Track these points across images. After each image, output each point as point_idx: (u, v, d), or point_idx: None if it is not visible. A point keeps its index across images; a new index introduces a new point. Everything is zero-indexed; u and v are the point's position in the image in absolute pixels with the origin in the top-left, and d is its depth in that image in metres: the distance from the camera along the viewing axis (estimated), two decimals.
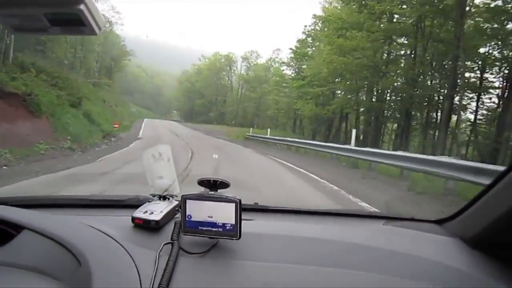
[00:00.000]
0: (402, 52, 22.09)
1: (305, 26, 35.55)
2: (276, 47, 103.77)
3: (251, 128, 32.56)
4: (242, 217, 0.90)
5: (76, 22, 0.52)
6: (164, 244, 0.89)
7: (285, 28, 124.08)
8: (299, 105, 30.24)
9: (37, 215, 1.02)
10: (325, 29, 27.01)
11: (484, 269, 0.88)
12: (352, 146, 12.27)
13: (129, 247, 0.89)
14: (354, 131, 13.60)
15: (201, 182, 0.95)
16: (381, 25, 19.47)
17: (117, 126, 24.16)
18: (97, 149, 13.50)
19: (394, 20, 19.40)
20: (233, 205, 0.89)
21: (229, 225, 0.89)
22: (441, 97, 19.74)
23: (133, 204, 1.15)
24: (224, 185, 0.95)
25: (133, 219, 1.01)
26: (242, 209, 0.90)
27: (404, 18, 18.76)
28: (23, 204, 1.16)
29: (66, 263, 0.83)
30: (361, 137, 26.46)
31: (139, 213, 1.02)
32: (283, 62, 47.09)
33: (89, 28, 0.53)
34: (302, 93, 30.72)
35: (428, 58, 18.91)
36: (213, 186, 0.95)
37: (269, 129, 25.09)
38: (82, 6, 0.49)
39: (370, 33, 18.15)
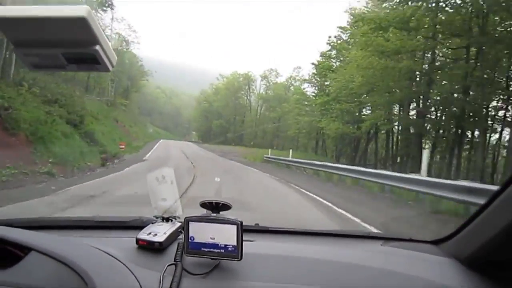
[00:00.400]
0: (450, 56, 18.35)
1: (329, 37, 32.90)
2: (297, 65, 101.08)
3: (269, 149, 29.49)
4: (243, 238, 0.91)
5: (92, 61, 0.55)
6: (168, 265, 0.90)
7: (305, 46, 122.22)
8: (323, 123, 27.11)
9: (44, 236, 1.04)
10: (358, 30, 23.93)
11: None
12: (422, 175, 8.46)
13: (134, 268, 0.90)
14: (425, 153, 9.67)
15: (203, 204, 0.97)
16: (430, 22, 15.73)
17: (123, 147, 22.06)
18: (88, 174, 11.35)
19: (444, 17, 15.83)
20: (235, 227, 0.91)
21: (231, 246, 0.91)
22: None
23: (137, 225, 1.17)
24: (226, 207, 0.96)
25: (137, 240, 1.02)
26: (243, 230, 0.91)
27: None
28: (28, 226, 1.16)
29: (72, 284, 0.84)
30: (398, 160, 23.05)
31: (143, 235, 1.03)
32: (305, 80, 44.51)
33: (103, 65, 0.57)
34: (326, 110, 27.83)
35: (486, 62, 15.19)
36: (215, 208, 0.96)
37: (291, 150, 21.70)
38: (97, 47, 0.53)
39: (416, 30, 14.92)
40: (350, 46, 27.40)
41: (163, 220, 1.15)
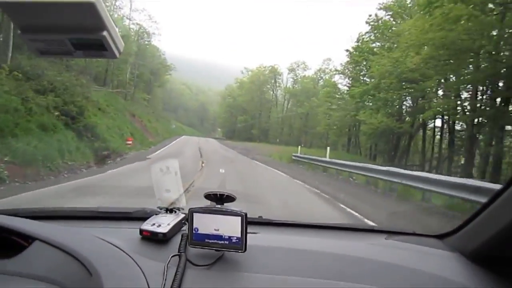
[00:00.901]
0: None
1: (369, 15, 28.14)
2: (326, 57, 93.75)
3: (299, 147, 25.63)
4: (248, 230, 0.91)
5: (98, 47, 0.55)
6: (172, 256, 0.90)
7: (335, 37, 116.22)
8: (363, 116, 22.92)
9: (48, 226, 1.04)
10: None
11: (483, 284, 0.88)
12: None
13: (138, 259, 0.90)
14: None
15: (208, 196, 0.96)
16: None
17: (130, 142, 19.55)
18: (65, 175, 9.06)
19: None
20: (239, 218, 0.90)
21: (235, 238, 0.90)
22: None
23: (141, 216, 1.16)
24: (230, 198, 0.96)
25: (141, 231, 1.02)
26: (247, 222, 0.91)
27: None
28: (33, 216, 1.16)
29: (76, 273, 0.84)
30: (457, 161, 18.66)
31: (147, 226, 1.03)
32: (336, 70, 39.83)
33: (110, 52, 0.56)
34: (364, 101, 23.78)
35: None
36: (219, 200, 0.95)
37: (328, 149, 17.24)
38: (105, 33, 0.53)
39: None
40: (399, 22, 23.03)
41: (167, 211, 1.14)
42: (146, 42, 52.37)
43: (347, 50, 32.38)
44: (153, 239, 1.01)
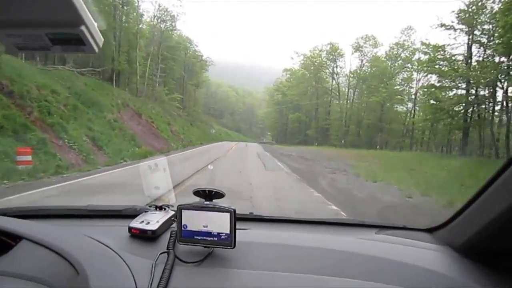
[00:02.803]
0: None
1: None
2: (406, 25, 69.14)
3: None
4: (237, 227, 0.90)
5: (76, 42, 0.53)
6: (160, 254, 0.88)
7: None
8: None
9: (35, 225, 1.02)
10: None
11: (473, 276, 0.88)
12: None
13: (126, 257, 0.88)
14: None
15: (197, 192, 0.93)
16: None
17: (24, 159, 7.51)
18: None
19: None
20: (228, 214, 0.88)
21: (224, 234, 0.89)
22: None
23: (130, 214, 1.14)
24: (219, 195, 0.93)
25: (130, 229, 1.00)
26: (237, 218, 0.89)
27: None
28: (21, 215, 1.15)
29: (64, 272, 0.83)
30: None
31: (135, 223, 1.01)
32: (443, 25, 25.12)
33: (89, 47, 0.54)
34: None
35: None
36: (208, 196, 0.93)
37: None
38: (82, 27, 0.51)
39: None
40: None
41: (156, 209, 1.12)
42: (171, 29, 42.11)
43: None
44: (142, 236, 0.98)
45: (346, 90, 45.81)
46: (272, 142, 61.50)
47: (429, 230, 1.18)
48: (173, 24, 41.80)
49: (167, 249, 0.90)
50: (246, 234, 1.05)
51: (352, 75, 43.85)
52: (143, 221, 1.02)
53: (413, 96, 36.08)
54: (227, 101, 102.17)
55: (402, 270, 0.90)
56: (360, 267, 0.90)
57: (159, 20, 39.33)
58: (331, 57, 46.20)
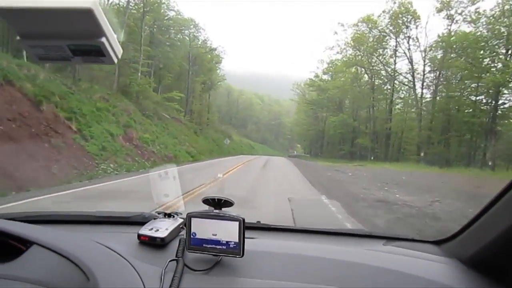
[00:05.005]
0: None
1: None
2: None
3: None
4: (245, 235, 0.88)
5: (97, 53, 0.54)
6: (170, 261, 0.88)
7: None
8: None
9: (46, 230, 1.00)
10: None
11: None
12: None
13: (135, 263, 0.88)
14: None
15: (206, 201, 0.92)
16: None
17: None
18: None
19: None
20: (237, 223, 0.87)
21: (233, 243, 0.88)
22: None
23: (139, 221, 1.13)
24: (228, 203, 0.91)
25: (139, 236, 0.99)
26: (245, 227, 0.88)
27: None
28: (31, 220, 1.12)
29: (74, 278, 0.82)
30: None
31: (144, 230, 1.00)
32: None
33: (108, 58, 0.55)
34: None
35: None
36: (217, 205, 0.91)
37: None
38: (103, 39, 0.52)
39: None
40: None
41: (165, 216, 1.11)
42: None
43: None
44: (151, 243, 0.97)
45: (422, 72, 29.27)
46: (305, 155, 47.12)
47: (437, 243, 1.15)
48: None
49: (176, 256, 0.89)
50: (254, 243, 1.01)
51: (436, 46, 27.11)
52: (152, 228, 1.00)
53: None
54: (250, 109, 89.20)
55: (410, 282, 0.87)
56: (367, 279, 0.88)
57: None
58: (400, 23, 29.24)
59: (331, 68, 36.95)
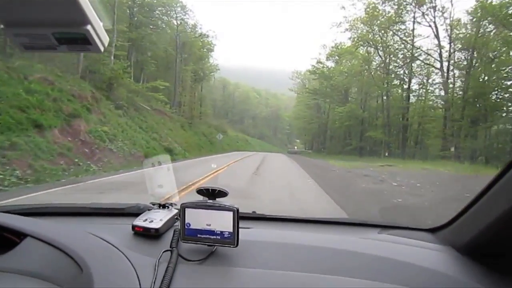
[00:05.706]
0: None
1: None
2: None
3: None
4: (240, 225, 0.88)
5: (82, 41, 0.53)
6: (164, 252, 0.88)
7: None
8: None
9: (40, 222, 1.01)
10: None
11: (475, 276, 0.86)
12: None
13: (129, 254, 0.88)
14: None
15: (200, 191, 0.92)
16: None
17: None
18: None
19: None
20: (231, 213, 0.87)
21: (227, 233, 0.88)
22: None
23: (133, 212, 1.13)
24: (222, 193, 0.91)
25: (133, 227, 0.99)
26: (239, 217, 0.88)
27: None
28: (25, 213, 1.13)
29: (68, 269, 0.82)
30: None
31: (139, 221, 1.00)
32: None
33: (95, 46, 0.54)
34: None
35: None
36: (211, 195, 0.91)
37: None
38: (88, 27, 0.51)
39: None
40: None
41: (159, 207, 1.11)
42: None
43: None
44: (145, 234, 0.97)
45: (448, 51, 24.28)
46: (307, 151, 42.99)
47: (432, 230, 1.15)
48: None
49: (170, 247, 0.89)
50: (249, 232, 1.02)
51: (478, 10, 20.92)
52: (146, 219, 1.00)
53: None
54: (247, 103, 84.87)
55: (405, 270, 0.88)
56: (362, 267, 0.88)
57: None
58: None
59: (336, 52, 32.46)
